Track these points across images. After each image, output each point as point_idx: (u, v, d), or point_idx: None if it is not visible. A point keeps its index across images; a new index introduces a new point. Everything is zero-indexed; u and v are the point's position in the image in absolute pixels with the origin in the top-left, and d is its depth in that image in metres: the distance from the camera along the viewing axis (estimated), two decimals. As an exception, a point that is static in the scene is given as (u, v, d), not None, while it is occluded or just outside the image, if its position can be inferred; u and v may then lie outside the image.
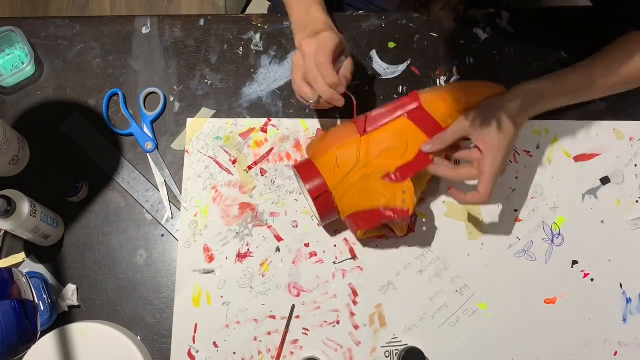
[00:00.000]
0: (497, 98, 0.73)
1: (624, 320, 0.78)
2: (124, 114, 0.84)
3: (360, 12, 0.89)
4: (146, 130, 0.83)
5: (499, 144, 0.70)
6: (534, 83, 0.74)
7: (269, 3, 1.15)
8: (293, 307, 0.78)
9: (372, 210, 0.71)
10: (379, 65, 0.86)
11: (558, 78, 0.75)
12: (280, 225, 0.81)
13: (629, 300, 0.79)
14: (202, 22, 0.88)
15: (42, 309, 0.74)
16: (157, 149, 0.83)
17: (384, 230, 0.76)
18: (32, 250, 0.80)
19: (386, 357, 0.77)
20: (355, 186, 0.72)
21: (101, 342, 0.74)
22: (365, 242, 0.80)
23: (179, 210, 0.81)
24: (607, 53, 0.76)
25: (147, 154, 0.83)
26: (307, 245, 0.80)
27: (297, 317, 0.78)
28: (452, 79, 0.86)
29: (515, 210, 0.81)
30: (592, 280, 0.79)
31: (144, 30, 0.88)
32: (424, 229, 0.80)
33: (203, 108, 0.85)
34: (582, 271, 0.79)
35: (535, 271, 0.79)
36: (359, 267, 0.79)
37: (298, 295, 0.78)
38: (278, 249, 0.80)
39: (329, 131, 0.77)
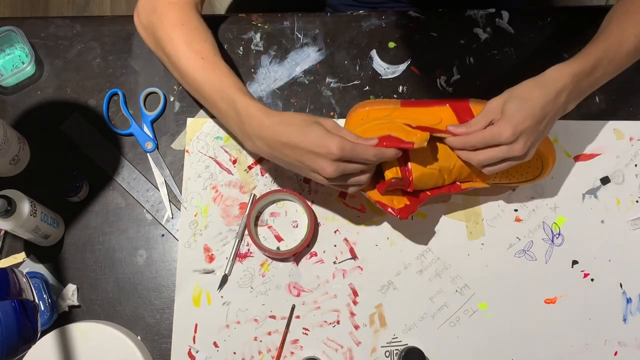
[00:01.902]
0: (530, 84, 0.69)
1: (624, 320, 0.78)
2: (124, 113, 0.84)
3: (361, 12, 0.89)
4: (146, 130, 0.83)
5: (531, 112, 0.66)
6: (569, 66, 0.68)
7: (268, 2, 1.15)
8: (293, 307, 0.78)
9: (386, 135, 0.69)
10: (379, 65, 0.86)
11: (590, 52, 0.69)
12: (280, 225, 0.80)
13: (629, 300, 0.79)
14: (202, 22, 0.88)
15: (42, 308, 0.74)
16: (157, 149, 0.83)
17: (393, 198, 0.73)
18: (32, 250, 0.80)
19: (386, 357, 0.77)
20: (375, 121, 0.72)
21: (101, 342, 0.74)
22: (365, 242, 0.80)
23: (179, 210, 0.81)
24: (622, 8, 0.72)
25: (147, 154, 0.83)
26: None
27: (297, 317, 0.78)
28: (452, 78, 0.86)
29: (515, 210, 0.81)
30: (592, 280, 0.79)
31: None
32: (424, 229, 0.80)
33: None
34: (582, 271, 0.79)
35: (535, 271, 0.79)
36: (359, 267, 0.79)
37: (298, 295, 0.78)
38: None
39: (373, 100, 0.78)
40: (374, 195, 0.72)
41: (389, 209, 0.71)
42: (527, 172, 0.76)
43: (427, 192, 0.74)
